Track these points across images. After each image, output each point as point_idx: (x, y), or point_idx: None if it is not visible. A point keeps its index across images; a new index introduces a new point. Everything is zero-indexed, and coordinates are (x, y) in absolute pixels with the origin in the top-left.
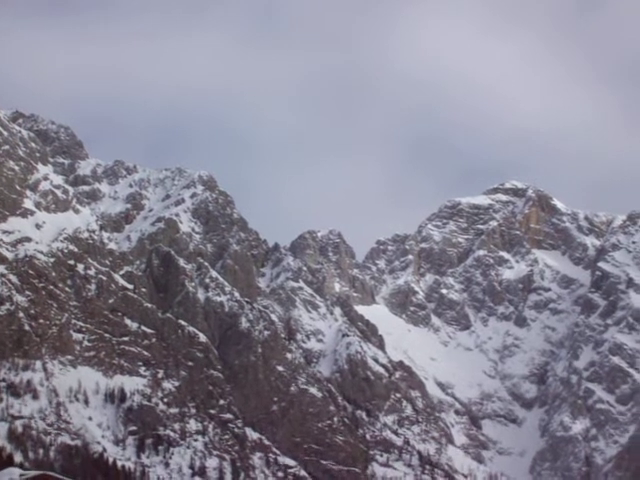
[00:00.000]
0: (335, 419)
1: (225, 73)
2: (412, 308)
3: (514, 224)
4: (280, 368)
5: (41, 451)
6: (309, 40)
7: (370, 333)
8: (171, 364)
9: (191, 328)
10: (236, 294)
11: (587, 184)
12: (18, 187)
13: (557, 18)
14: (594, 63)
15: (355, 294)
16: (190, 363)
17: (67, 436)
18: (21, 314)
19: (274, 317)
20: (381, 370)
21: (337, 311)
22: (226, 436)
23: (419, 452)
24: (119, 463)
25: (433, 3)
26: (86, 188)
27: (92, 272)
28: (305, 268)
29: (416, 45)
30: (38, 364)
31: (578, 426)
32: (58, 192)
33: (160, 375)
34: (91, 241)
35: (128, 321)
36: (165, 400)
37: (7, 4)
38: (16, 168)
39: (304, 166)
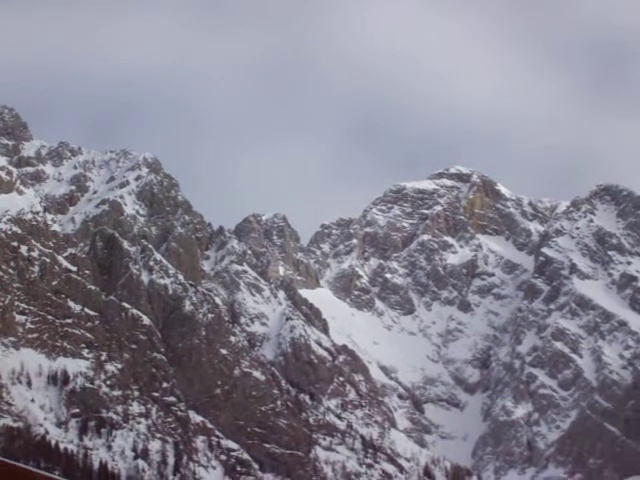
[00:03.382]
0: (278, 402)
1: (170, 53)
2: (356, 292)
3: (458, 209)
4: (224, 351)
5: None
6: (255, 21)
7: (314, 317)
8: (114, 346)
9: (135, 311)
10: (180, 277)
11: (531, 170)
12: None
13: None
14: (545, 46)
15: (299, 278)
16: (133, 346)
17: (9, 418)
18: None
19: (218, 300)
20: (325, 354)
21: (281, 295)
22: (169, 419)
23: (362, 436)
24: (61, 445)
25: None
26: (30, 169)
27: (35, 254)
28: (249, 251)
29: (361, 27)
30: None
31: (520, 411)
32: (2, 173)
33: (103, 357)
34: (35, 223)
35: (71, 303)
36: (108, 382)
37: None
38: None
39: (249, 149)
